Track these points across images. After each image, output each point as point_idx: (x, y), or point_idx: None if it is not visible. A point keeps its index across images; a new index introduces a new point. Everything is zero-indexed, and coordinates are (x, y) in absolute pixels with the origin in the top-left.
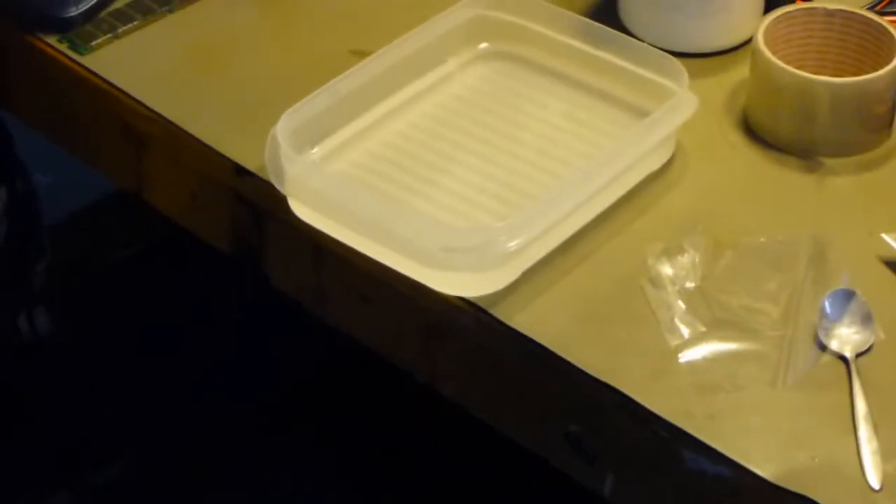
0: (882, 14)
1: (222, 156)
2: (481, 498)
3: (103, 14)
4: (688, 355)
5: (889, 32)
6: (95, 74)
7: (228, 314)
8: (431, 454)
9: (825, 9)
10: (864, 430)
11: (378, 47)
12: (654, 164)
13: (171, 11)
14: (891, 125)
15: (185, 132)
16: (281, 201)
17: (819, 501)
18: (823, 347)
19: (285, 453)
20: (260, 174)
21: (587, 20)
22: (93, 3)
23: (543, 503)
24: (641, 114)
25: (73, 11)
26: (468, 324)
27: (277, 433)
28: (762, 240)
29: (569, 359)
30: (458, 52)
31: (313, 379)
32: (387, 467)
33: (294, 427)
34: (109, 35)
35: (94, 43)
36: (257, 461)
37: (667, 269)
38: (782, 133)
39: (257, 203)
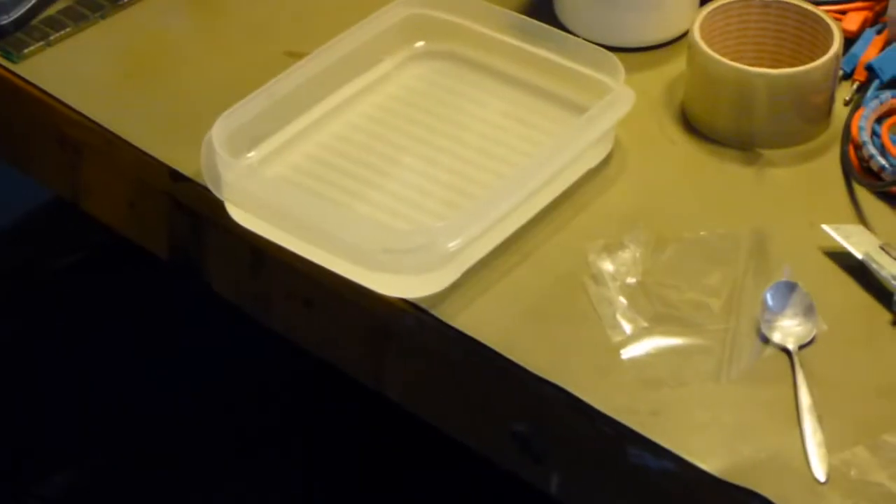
0: (818, 3)
1: (158, 162)
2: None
3: (35, 21)
4: (630, 351)
5: (825, 22)
6: (28, 83)
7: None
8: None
9: (761, 1)
10: (809, 423)
11: (313, 48)
12: (594, 160)
13: (103, 17)
14: (829, 115)
15: (121, 139)
16: (218, 207)
17: (765, 495)
18: (766, 340)
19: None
20: (197, 179)
21: (523, 17)
22: (24, 10)
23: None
24: (579, 110)
25: (5, 20)
26: (411, 325)
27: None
28: (703, 233)
29: (512, 358)
30: (394, 51)
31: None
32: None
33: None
34: (42, 42)
35: (26, 51)
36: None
37: (608, 266)
38: (721, 126)
39: (195, 209)
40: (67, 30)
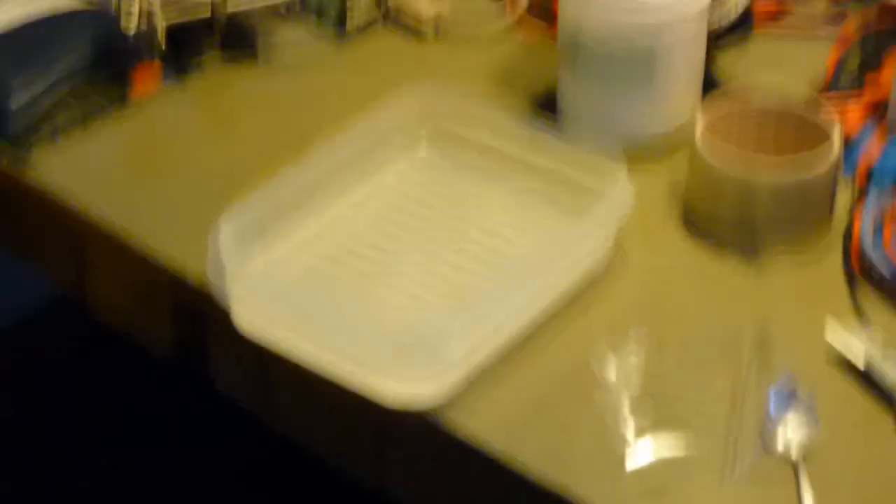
0: (828, 91)
1: (163, 261)
2: None
3: (42, 117)
4: (634, 457)
5: (823, 131)
6: (35, 180)
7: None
8: None
9: (763, 93)
10: None
11: (319, 144)
12: (595, 260)
13: (109, 114)
14: (831, 217)
15: (126, 238)
16: (223, 308)
17: None
18: (769, 445)
19: None
20: (201, 279)
21: (525, 121)
22: (31, 108)
23: None
24: (579, 211)
25: (11, 104)
26: (414, 429)
27: None
28: (705, 336)
29: (515, 464)
30: (397, 156)
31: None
32: None
33: None
34: (49, 139)
35: (33, 148)
36: None
37: (611, 370)
38: (723, 227)
39: (199, 309)
40: (74, 125)
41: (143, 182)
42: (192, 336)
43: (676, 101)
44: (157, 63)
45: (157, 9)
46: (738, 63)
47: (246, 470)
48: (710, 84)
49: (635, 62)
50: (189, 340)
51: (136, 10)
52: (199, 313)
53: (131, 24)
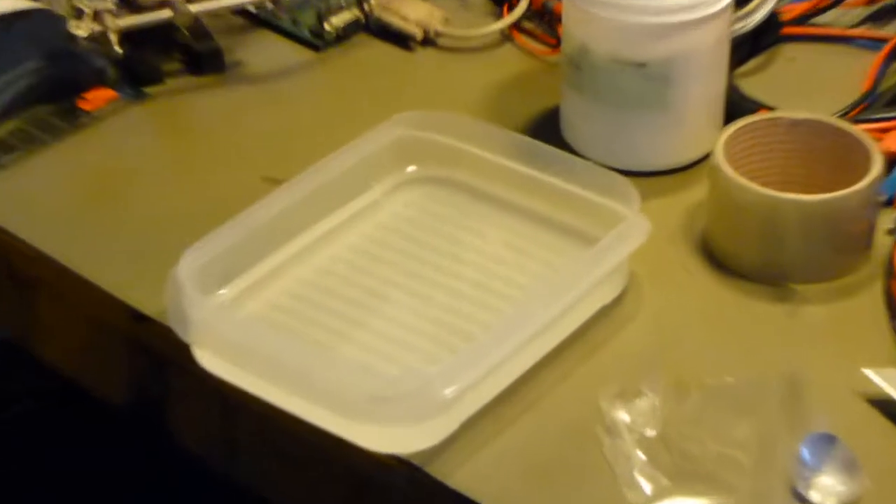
0: (857, 121)
1: (118, 300)
2: None
3: None
4: None
5: (863, 144)
6: None
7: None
8: None
9: (790, 118)
10: None
11: (293, 173)
12: (605, 296)
13: (58, 140)
14: (868, 246)
15: (76, 274)
16: (185, 350)
17: None
18: (803, 500)
19: None
20: (161, 320)
21: (525, 138)
22: None
23: None
24: (589, 241)
25: None
26: (400, 484)
27: None
28: (729, 379)
29: None
30: (383, 177)
31: None
32: None
33: None
34: None
35: None
36: None
37: (623, 416)
38: (747, 258)
39: (159, 352)
40: (17, 153)
41: (95, 211)
42: (149, 384)
43: (696, 128)
44: (111, 73)
45: (110, 9)
46: (764, 77)
47: None
48: (733, 105)
49: (649, 84)
50: (145, 389)
51: (87, 10)
52: (157, 356)
53: (81, 28)
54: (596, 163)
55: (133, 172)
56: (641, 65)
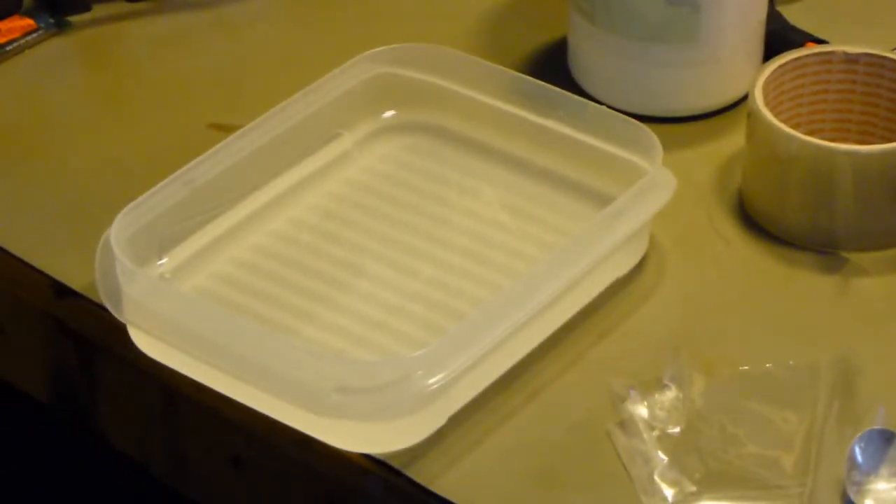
0: None
1: (37, 271)
2: None
3: None
4: None
5: None
6: None
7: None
8: None
9: (845, 52)
10: None
11: (247, 120)
12: (621, 267)
13: None
14: None
15: None
16: (118, 330)
17: None
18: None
19: None
20: (88, 294)
21: (527, 78)
22: None
23: None
24: (602, 201)
25: None
26: (375, 491)
27: None
28: (768, 366)
29: None
30: (356, 123)
31: None
32: None
33: None
34: None
35: None
36: None
37: (641, 410)
38: (791, 221)
39: (86, 333)
40: None
41: (7, 166)
42: (74, 371)
43: (730, 64)
44: None
45: None
46: (814, 2)
47: None
48: (775, 36)
49: (674, 10)
50: (70, 378)
51: None
52: (84, 338)
53: None
54: (610, 107)
55: (54, 118)
56: None
